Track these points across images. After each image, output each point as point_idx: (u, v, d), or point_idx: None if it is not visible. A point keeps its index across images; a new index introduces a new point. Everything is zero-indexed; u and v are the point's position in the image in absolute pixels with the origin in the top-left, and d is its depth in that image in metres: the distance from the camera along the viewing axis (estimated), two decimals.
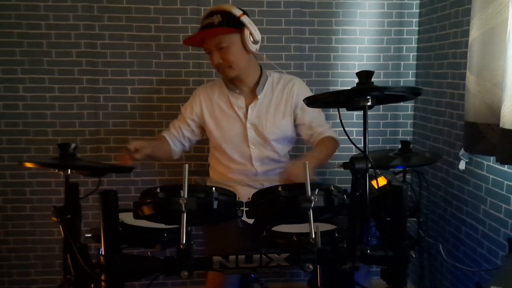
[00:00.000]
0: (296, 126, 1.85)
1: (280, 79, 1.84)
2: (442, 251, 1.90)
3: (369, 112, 1.14)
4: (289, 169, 1.45)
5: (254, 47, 1.69)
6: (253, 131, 1.78)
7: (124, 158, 1.57)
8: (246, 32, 1.66)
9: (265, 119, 1.78)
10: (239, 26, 1.65)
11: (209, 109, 1.81)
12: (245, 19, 1.65)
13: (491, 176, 1.62)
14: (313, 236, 1.05)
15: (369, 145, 1.13)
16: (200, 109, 1.81)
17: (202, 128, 1.86)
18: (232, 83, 1.79)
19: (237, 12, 1.65)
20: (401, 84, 2.25)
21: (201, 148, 2.01)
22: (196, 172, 2.19)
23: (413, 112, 2.29)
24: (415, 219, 1.62)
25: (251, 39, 1.67)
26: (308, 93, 1.87)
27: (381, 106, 2.26)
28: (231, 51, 1.66)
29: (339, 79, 2.23)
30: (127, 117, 2.17)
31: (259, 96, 1.78)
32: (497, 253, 1.59)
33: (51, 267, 2.23)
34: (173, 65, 2.15)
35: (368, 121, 1.13)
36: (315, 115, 1.85)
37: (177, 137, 1.84)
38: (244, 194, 1.27)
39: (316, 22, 2.18)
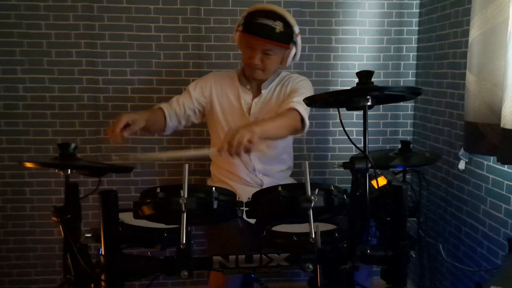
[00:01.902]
0: None
1: (290, 78, 1.84)
2: (442, 251, 1.90)
3: (369, 112, 1.15)
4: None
5: (289, 63, 1.74)
6: None
7: (114, 133, 1.50)
8: (293, 51, 1.70)
9: (265, 114, 1.78)
10: (291, 43, 1.68)
11: (218, 96, 1.81)
12: (298, 39, 1.69)
13: (491, 176, 1.62)
14: (313, 236, 1.05)
15: (369, 145, 1.13)
16: (209, 92, 1.81)
17: (202, 113, 1.84)
18: (246, 78, 1.81)
19: (296, 29, 1.68)
20: (401, 84, 2.25)
21: (202, 148, 2.01)
22: (196, 172, 2.19)
23: (413, 112, 2.29)
24: (415, 219, 1.63)
25: (293, 58, 1.72)
26: (304, 86, 1.79)
27: (381, 106, 2.26)
28: (272, 60, 1.70)
29: (339, 79, 2.23)
30: None
31: (262, 91, 1.80)
32: (497, 253, 1.59)
33: (51, 267, 2.23)
34: (173, 65, 2.15)
35: (368, 121, 1.14)
36: (295, 95, 1.74)
37: (177, 113, 1.77)
38: (245, 194, 1.27)
39: (316, 22, 2.18)
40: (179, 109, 1.78)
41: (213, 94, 1.81)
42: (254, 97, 1.81)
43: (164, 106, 1.78)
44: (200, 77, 2.13)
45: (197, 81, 1.85)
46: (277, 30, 1.62)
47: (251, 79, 1.79)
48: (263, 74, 1.75)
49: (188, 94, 1.81)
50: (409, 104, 2.28)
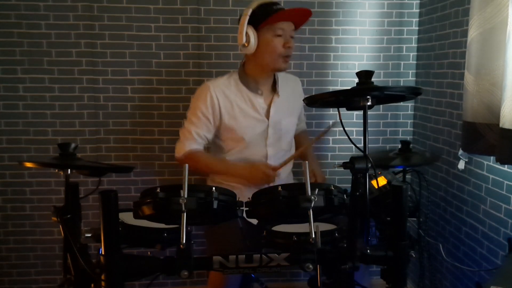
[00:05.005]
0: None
1: (285, 77, 1.87)
2: (442, 251, 1.90)
3: (369, 112, 1.15)
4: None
5: None
6: (273, 129, 1.78)
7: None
8: None
9: (283, 117, 1.80)
10: None
11: (228, 110, 1.73)
12: None
13: (491, 176, 1.62)
14: (313, 236, 1.05)
15: (369, 145, 1.13)
16: (218, 109, 1.73)
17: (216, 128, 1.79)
18: (255, 81, 1.75)
19: None
20: (401, 84, 2.25)
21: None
22: (196, 172, 2.18)
23: (413, 112, 2.29)
24: (415, 219, 1.63)
25: None
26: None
27: (381, 106, 2.26)
28: (294, 43, 1.73)
29: (339, 79, 2.23)
30: (127, 117, 2.17)
31: (280, 93, 1.79)
32: (497, 253, 1.59)
33: (51, 267, 2.23)
34: (173, 65, 2.15)
35: (368, 121, 1.14)
36: (303, 111, 2.01)
37: (204, 145, 1.79)
38: (247, 194, 1.26)
39: (316, 22, 2.18)
40: (203, 141, 1.77)
41: (222, 109, 1.73)
42: (266, 99, 1.78)
43: (195, 145, 1.75)
44: (200, 77, 2.15)
45: (202, 101, 1.72)
46: None
47: (275, 71, 1.76)
48: (288, 64, 1.75)
49: (203, 122, 1.73)
50: (409, 104, 2.29)
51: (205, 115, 1.73)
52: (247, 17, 1.63)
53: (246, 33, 1.63)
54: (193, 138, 1.74)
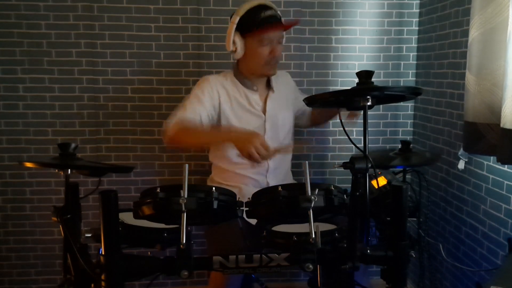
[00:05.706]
0: (300, 116, 1.96)
1: (286, 75, 1.93)
2: (442, 251, 1.90)
3: (369, 112, 1.14)
4: None
5: None
6: (270, 124, 1.80)
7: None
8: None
9: (279, 111, 1.82)
10: None
11: (227, 104, 1.75)
12: None
13: (491, 176, 1.62)
14: (313, 236, 1.05)
15: (369, 145, 1.13)
16: (218, 100, 1.73)
17: (213, 120, 1.75)
18: (249, 79, 1.78)
19: None
20: (401, 84, 2.25)
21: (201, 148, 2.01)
22: (196, 172, 2.19)
23: (413, 112, 2.29)
24: (415, 219, 1.62)
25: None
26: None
27: (381, 106, 2.26)
28: (282, 47, 1.75)
29: (339, 79, 2.23)
30: (127, 117, 2.17)
31: (275, 89, 1.82)
32: (497, 253, 1.59)
33: (51, 267, 2.23)
34: (173, 65, 2.15)
35: (368, 121, 1.13)
36: (300, 101, 1.91)
37: (197, 120, 1.69)
38: (247, 194, 1.26)
39: (316, 22, 2.18)
40: (197, 118, 1.68)
41: (222, 102, 1.74)
42: (262, 96, 1.81)
43: (188, 115, 1.66)
44: (200, 77, 2.14)
45: (200, 90, 1.72)
46: (279, 17, 1.70)
47: (263, 76, 1.78)
48: (276, 67, 1.77)
49: (200, 104, 1.69)
50: (409, 104, 2.29)
51: (201, 101, 1.69)
52: (234, 25, 1.65)
53: (233, 40, 1.67)
54: (185, 110, 1.67)
